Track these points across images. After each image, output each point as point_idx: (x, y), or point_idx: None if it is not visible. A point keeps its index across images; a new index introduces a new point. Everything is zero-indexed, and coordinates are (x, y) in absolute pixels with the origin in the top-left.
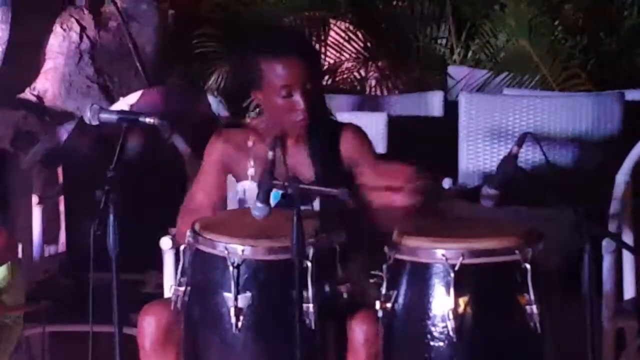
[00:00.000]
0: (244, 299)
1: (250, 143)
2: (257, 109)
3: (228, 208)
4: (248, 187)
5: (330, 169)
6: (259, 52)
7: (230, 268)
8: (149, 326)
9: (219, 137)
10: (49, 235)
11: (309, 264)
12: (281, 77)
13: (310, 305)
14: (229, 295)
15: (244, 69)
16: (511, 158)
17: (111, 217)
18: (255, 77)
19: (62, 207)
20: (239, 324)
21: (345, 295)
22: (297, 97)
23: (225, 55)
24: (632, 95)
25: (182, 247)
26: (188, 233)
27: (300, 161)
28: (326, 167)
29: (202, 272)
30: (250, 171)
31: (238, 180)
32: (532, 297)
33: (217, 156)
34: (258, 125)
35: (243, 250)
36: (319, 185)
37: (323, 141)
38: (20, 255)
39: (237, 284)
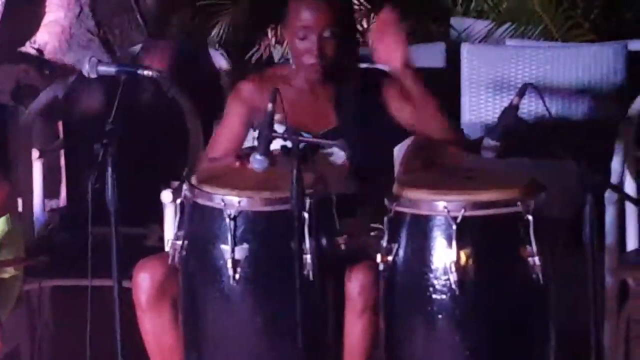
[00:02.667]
0: (241, 251)
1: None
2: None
3: None
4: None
5: (357, 117)
6: None
7: (227, 220)
8: (143, 282)
9: (246, 83)
10: (50, 190)
11: (307, 215)
12: (301, 19)
13: (308, 257)
14: (226, 248)
15: (279, 5)
16: (512, 109)
17: (109, 170)
18: (284, 14)
19: (62, 161)
20: (236, 276)
21: (343, 247)
22: (312, 41)
23: (228, 7)
24: (635, 45)
25: (178, 201)
26: (185, 187)
27: (325, 108)
28: (352, 115)
29: (199, 225)
30: (277, 116)
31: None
32: (535, 249)
33: (242, 102)
34: (281, 71)
35: (240, 202)
36: (337, 132)
37: (354, 88)
38: (20, 209)
39: (234, 236)
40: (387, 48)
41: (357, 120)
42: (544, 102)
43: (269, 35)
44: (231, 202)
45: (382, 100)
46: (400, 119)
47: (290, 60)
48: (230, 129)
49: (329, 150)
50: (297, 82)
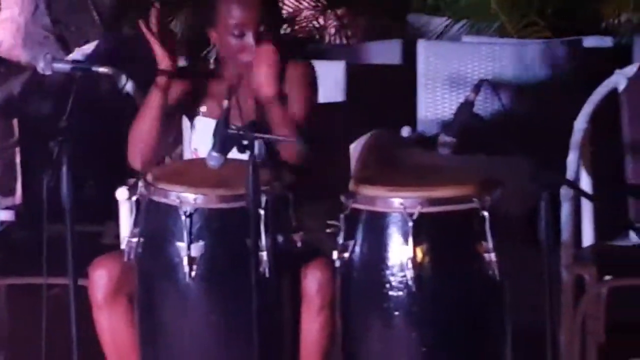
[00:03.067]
0: (197, 248)
1: (204, 82)
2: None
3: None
4: (198, 124)
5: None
6: None
7: (183, 217)
8: (100, 279)
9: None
10: (5, 187)
11: (262, 212)
12: (235, 16)
13: (264, 254)
14: (182, 245)
15: (202, 5)
16: (468, 105)
17: (64, 168)
18: (212, 14)
19: (18, 159)
20: (193, 273)
21: (299, 244)
22: (249, 38)
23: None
24: (589, 42)
25: (134, 198)
26: (140, 184)
27: (249, 104)
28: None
29: (155, 222)
30: (203, 108)
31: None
32: (491, 245)
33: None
34: (212, 69)
35: (195, 199)
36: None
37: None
38: None
39: (190, 233)
40: (263, 77)
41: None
42: (499, 98)
43: None
44: (187, 199)
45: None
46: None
47: (213, 58)
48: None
49: None
50: (224, 79)
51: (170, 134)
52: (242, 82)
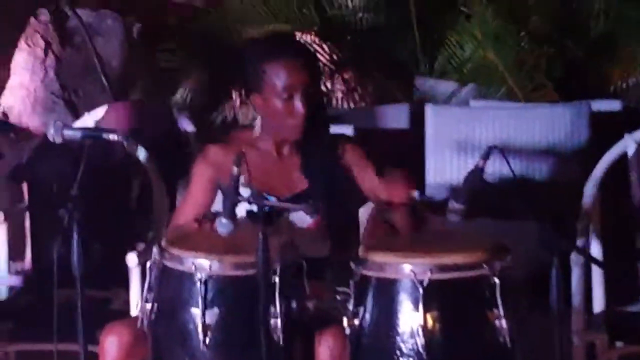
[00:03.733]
0: (211, 315)
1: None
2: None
3: None
4: None
5: (324, 179)
6: (263, 54)
7: (198, 284)
8: (111, 346)
9: (209, 151)
10: (15, 252)
11: (277, 279)
12: (283, 80)
13: (278, 321)
14: (196, 312)
15: (244, 71)
16: (477, 172)
17: (75, 235)
18: (256, 79)
19: (27, 223)
20: (207, 340)
21: (312, 311)
22: (297, 100)
23: (191, 70)
24: (598, 105)
25: (148, 264)
26: (154, 249)
27: (292, 170)
28: (320, 177)
29: (169, 288)
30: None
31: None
32: (502, 311)
33: (206, 171)
34: (247, 135)
35: (210, 266)
36: (308, 195)
37: (318, 150)
38: None
39: (204, 300)
40: (399, 217)
41: (325, 183)
42: (508, 164)
43: (234, 96)
44: (202, 265)
45: (343, 163)
46: (360, 186)
47: (257, 124)
48: (196, 195)
49: (293, 214)
50: (263, 146)
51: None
52: (273, 148)
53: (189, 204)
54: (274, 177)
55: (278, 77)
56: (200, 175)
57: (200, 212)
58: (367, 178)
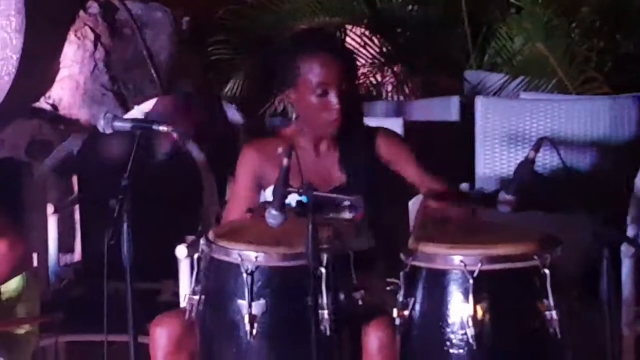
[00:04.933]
0: (258, 307)
1: (280, 150)
2: (274, 115)
3: None
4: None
5: (363, 173)
6: (297, 50)
7: (244, 275)
8: (161, 338)
9: (249, 149)
10: (65, 245)
11: (324, 270)
12: (318, 75)
13: (325, 312)
14: (243, 303)
15: (280, 67)
16: (528, 163)
17: (125, 226)
18: (291, 75)
19: (77, 216)
20: (254, 331)
21: (360, 302)
22: (332, 96)
23: (242, 63)
24: None
25: (196, 256)
26: (202, 242)
27: (331, 166)
28: (359, 171)
29: (217, 280)
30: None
31: (267, 187)
32: (552, 303)
33: (250, 168)
34: (288, 132)
35: (257, 257)
36: (347, 190)
37: (356, 145)
38: (35, 264)
39: (251, 292)
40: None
41: (364, 177)
42: (559, 155)
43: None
44: (249, 257)
45: (381, 155)
46: (403, 176)
47: (294, 119)
48: (242, 193)
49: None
50: (302, 141)
51: None
52: (311, 144)
53: (236, 202)
54: (313, 172)
55: (313, 73)
56: (244, 172)
57: (248, 207)
58: (408, 168)
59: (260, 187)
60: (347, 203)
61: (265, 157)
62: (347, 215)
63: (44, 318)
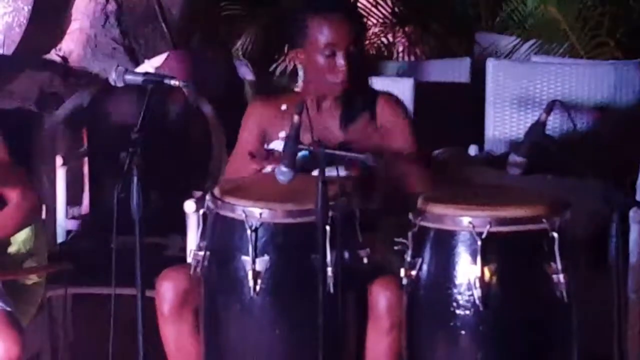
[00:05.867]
0: (262, 263)
1: (284, 107)
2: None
3: None
4: (276, 147)
5: (361, 135)
6: (307, 9)
7: (248, 231)
8: (167, 292)
9: (256, 103)
10: (73, 197)
11: (329, 228)
12: (326, 35)
13: (329, 269)
14: (247, 259)
15: (289, 26)
16: (539, 126)
17: (135, 179)
18: (299, 34)
19: (86, 169)
20: (257, 287)
21: (365, 261)
22: (340, 57)
23: (253, 19)
24: None
25: (201, 212)
26: (207, 197)
27: (331, 125)
28: (357, 132)
29: (221, 236)
30: (282, 133)
31: (269, 142)
32: (559, 266)
33: (255, 120)
34: (293, 90)
35: (261, 214)
36: (344, 149)
37: (357, 108)
38: (43, 216)
39: (255, 248)
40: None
41: (360, 137)
42: (571, 118)
43: None
44: (252, 213)
45: (378, 120)
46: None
47: (300, 80)
48: (243, 145)
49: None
50: (306, 99)
51: None
52: (323, 101)
53: (239, 150)
54: (313, 130)
55: (321, 33)
56: (249, 124)
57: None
58: (398, 139)
59: (264, 140)
60: (354, 158)
61: (271, 112)
62: (342, 172)
63: (53, 267)
